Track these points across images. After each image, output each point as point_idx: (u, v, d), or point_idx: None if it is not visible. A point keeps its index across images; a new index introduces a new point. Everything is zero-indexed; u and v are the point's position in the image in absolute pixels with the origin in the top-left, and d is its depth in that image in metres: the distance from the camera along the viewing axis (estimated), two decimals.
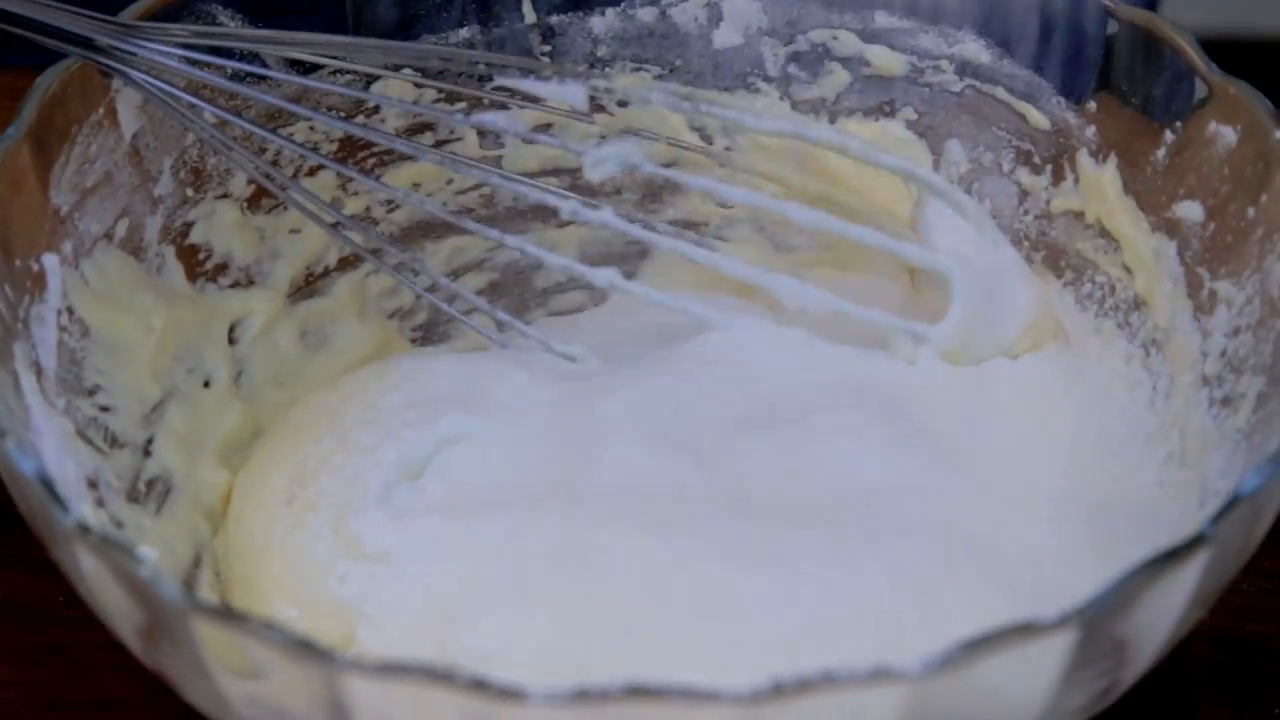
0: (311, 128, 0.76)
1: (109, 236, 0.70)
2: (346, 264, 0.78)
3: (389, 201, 0.79)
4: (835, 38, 0.79)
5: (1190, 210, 0.70)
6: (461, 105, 0.78)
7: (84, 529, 0.55)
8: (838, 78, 0.79)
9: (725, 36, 0.80)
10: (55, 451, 0.63)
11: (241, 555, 0.70)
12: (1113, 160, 0.73)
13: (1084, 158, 0.74)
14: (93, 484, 0.65)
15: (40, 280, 0.66)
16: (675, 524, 0.66)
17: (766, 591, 0.63)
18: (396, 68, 0.76)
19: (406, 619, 0.65)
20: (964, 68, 0.77)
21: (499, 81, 0.78)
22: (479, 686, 0.50)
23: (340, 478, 0.70)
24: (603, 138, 0.79)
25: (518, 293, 0.82)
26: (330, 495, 0.69)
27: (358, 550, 0.67)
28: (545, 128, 0.79)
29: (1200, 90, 0.69)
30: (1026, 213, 0.77)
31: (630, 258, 0.82)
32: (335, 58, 0.74)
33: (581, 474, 0.68)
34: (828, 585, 0.63)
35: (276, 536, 0.69)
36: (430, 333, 0.81)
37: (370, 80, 0.76)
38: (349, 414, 0.72)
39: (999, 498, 0.68)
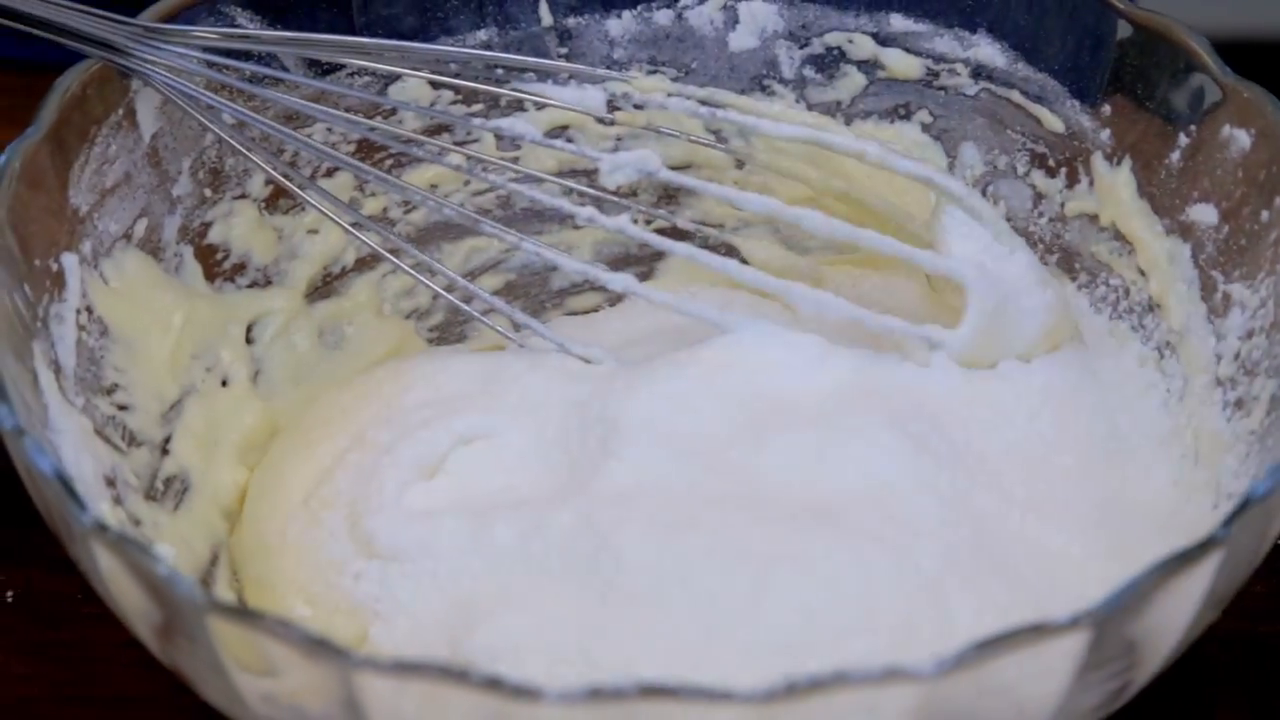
0: (330, 129, 0.76)
1: (128, 236, 0.70)
2: (364, 264, 0.79)
3: (406, 202, 0.79)
4: (851, 41, 0.79)
5: (1204, 213, 0.70)
6: (479, 105, 0.79)
7: (101, 527, 0.55)
8: (853, 80, 0.80)
9: (741, 39, 0.80)
10: (73, 450, 0.63)
11: (257, 553, 0.70)
12: (1127, 163, 0.73)
13: (1098, 161, 0.74)
14: (110, 482, 0.66)
15: (59, 279, 0.66)
16: (688, 524, 0.66)
17: (779, 592, 0.63)
18: (414, 69, 0.76)
19: (420, 617, 0.65)
20: (979, 71, 0.77)
21: (516, 82, 0.78)
22: (493, 685, 0.50)
23: (356, 476, 0.70)
24: (619, 140, 0.80)
25: (534, 293, 0.82)
26: (346, 494, 0.70)
27: (372, 549, 0.68)
28: (562, 129, 0.80)
29: (1214, 94, 0.69)
30: (1041, 215, 0.77)
31: (646, 258, 0.82)
32: (356, 59, 0.75)
33: (596, 474, 0.69)
34: (840, 586, 0.64)
35: (291, 534, 0.69)
36: (447, 333, 0.81)
37: (388, 81, 0.77)
38: (366, 413, 0.73)
39: (1012, 499, 0.68)
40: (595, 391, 0.72)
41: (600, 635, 0.63)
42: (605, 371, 0.73)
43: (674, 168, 0.80)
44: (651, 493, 0.68)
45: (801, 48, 0.79)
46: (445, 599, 0.66)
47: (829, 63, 0.80)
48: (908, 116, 0.79)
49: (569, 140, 0.80)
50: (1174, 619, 0.55)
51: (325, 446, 0.72)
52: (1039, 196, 0.77)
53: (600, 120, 0.79)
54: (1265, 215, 0.67)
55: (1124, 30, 0.72)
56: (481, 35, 0.78)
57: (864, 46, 0.79)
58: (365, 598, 0.67)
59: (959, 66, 0.77)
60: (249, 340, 0.75)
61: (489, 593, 0.65)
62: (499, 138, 0.79)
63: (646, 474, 0.68)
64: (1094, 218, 0.75)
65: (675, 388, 0.71)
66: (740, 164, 0.80)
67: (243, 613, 0.53)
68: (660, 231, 0.81)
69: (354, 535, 0.68)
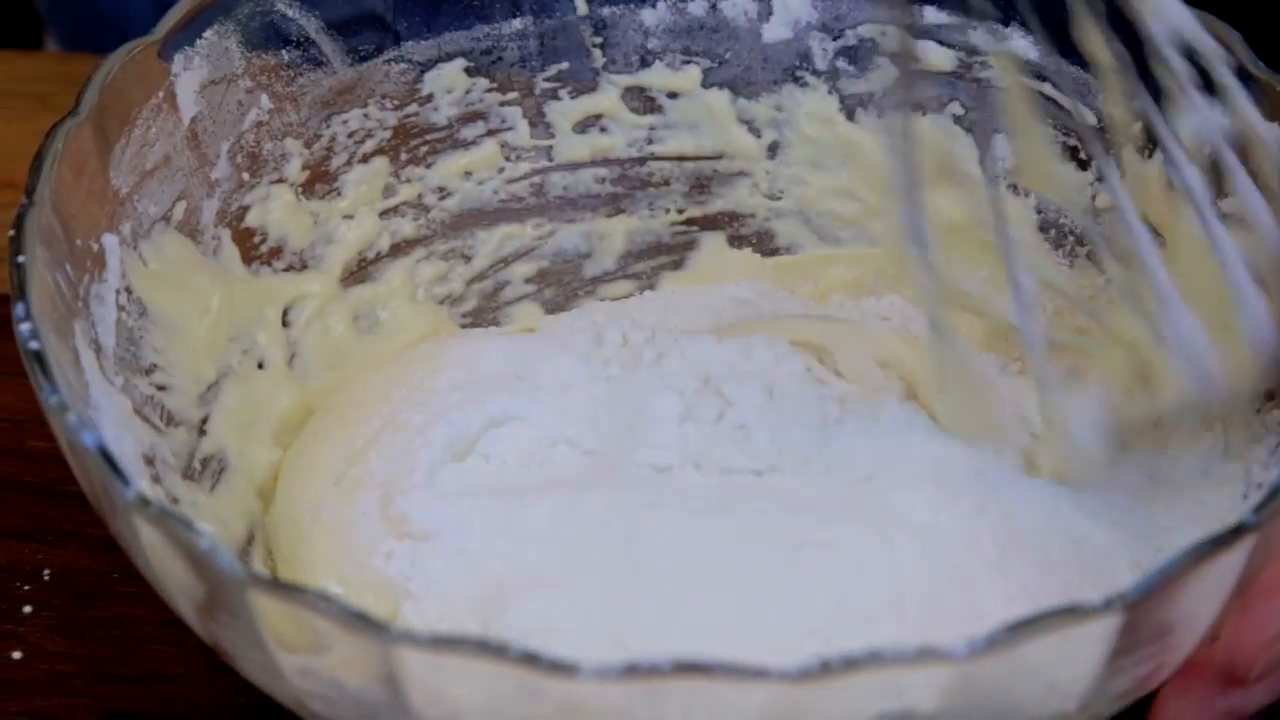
0: (365, 115, 0.77)
1: (167, 218, 0.71)
2: (399, 250, 0.79)
3: (441, 189, 0.80)
4: (884, 33, 0.79)
5: (1236, 207, 0.70)
6: (514, 95, 0.79)
7: (144, 501, 0.55)
8: (886, 72, 0.80)
9: (775, 30, 0.80)
10: (113, 428, 0.63)
11: (289, 532, 0.71)
12: (1159, 157, 0.73)
13: (1130, 154, 0.74)
14: (149, 461, 0.66)
15: (100, 260, 0.67)
16: (718, 509, 0.67)
17: (808, 577, 0.64)
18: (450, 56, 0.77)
19: (451, 597, 0.66)
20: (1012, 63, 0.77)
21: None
22: (530, 660, 0.50)
23: (388, 457, 0.71)
24: (652, 130, 0.80)
25: (566, 280, 0.83)
26: (378, 474, 0.70)
27: (403, 529, 0.68)
28: (596, 117, 0.80)
29: (1248, 88, 0.69)
30: (1073, 208, 0.77)
31: (677, 248, 0.83)
32: None
33: (626, 455, 0.69)
34: (868, 572, 0.64)
35: (324, 514, 0.70)
36: (479, 319, 0.82)
37: (424, 69, 0.77)
38: (397, 394, 0.73)
39: (1042, 485, 0.69)
40: (625, 373, 0.72)
41: (629, 617, 0.63)
42: (634, 354, 0.74)
43: (706, 158, 0.82)
44: (681, 477, 0.68)
45: (835, 39, 0.80)
46: (476, 579, 0.66)
47: (862, 54, 0.80)
48: (939, 108, 0.80)
49: (603, 130, 0.81)
50: (1205, 605, 0.56)
51: (358, 428, 0.73)
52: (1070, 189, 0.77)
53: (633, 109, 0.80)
54: None
55: None
56: (517, 24, 0.79)
57: (897, 38, 0.79)
58: (396, 577, 0.67)
59: (991, 59, 0.78)
60: (285, 323, 0.76)
61: (520, 573, 0.66)
62: (532, 124, 0.80)
63: (675, 455, 0.69)
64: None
65: (704, 370, 0.72)
66: (773, 154, 0.80)
67: (284, 586, 0.53)
68: (691, 221, 0.82)
69: (386, 515, 0.69)
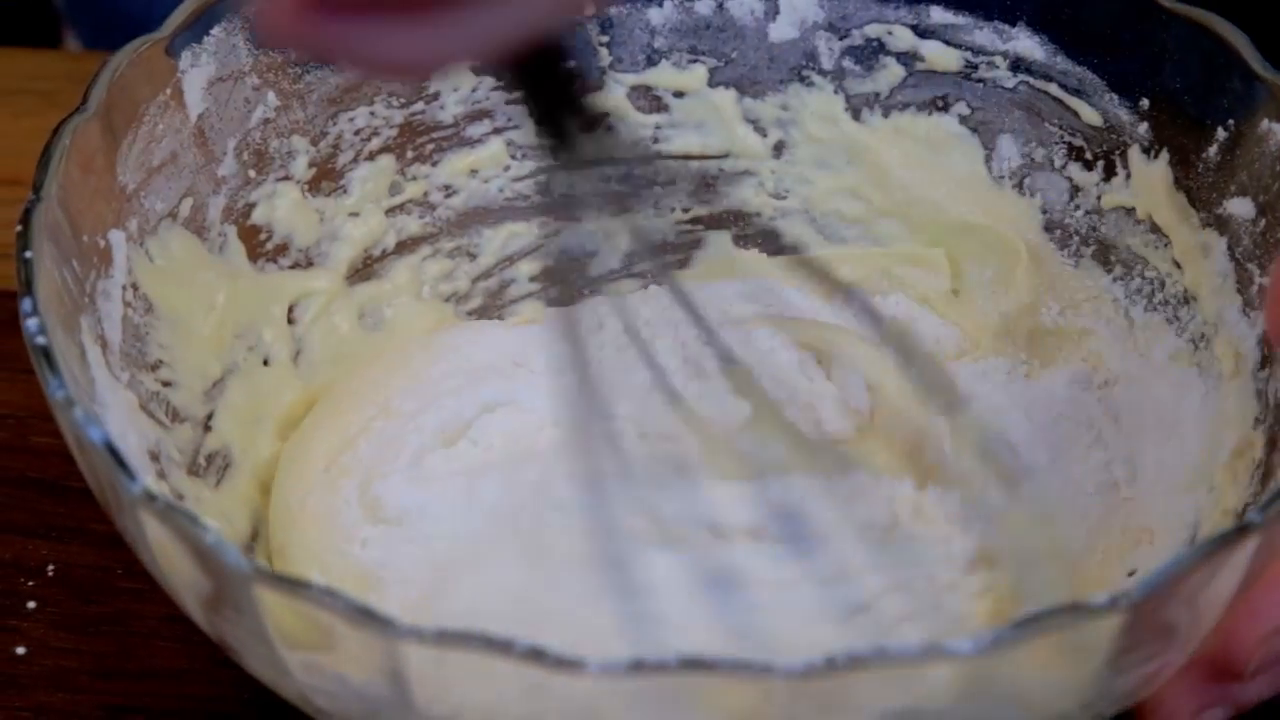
0: (372, 113, 0.77)
1: (173, 215, 0.71)
2: (404, 247, 0.79)
3: (447, 186, 0.80)
4: (890, 33, 0.79)
5: (1241, 207, 0.70)
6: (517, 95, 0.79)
7: (150, 496, 0.55)
8: (892, 72, 0.80)
9: (781, 30, 0.80)
10: (119, 424, 0.63)
11: (282, 522, 0.71)
12: (1164, 157, 0.73)
13: (1136, 154, 0.75)
14: (154, 456, 0.66)
15: (106, 256, 0.67)
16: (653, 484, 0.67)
17: (733, 570, 0.64)
18: None
19: (409, 582, 0.66)
20: (1018, 64, 0.77)
21: None
22: (536, 656, 0.50)
23: (378, 444, 0.71)
24: (658, 129, 0.81)
25: (571, 279, 0.83)
26: (365, 461, 0.71)
27: (378, 514, 0.69)
28: (603, 117, 0.80)
29: (1254, 89, 0.69)
30: (1078, 208, 0.77)
31: (684, 247, 0.83)
32: None
33: (582, 428, 0.69)
34: (802, 568, 0.64)
35: (310, 503, 0.70)
36: (484, 317, 0.82)
37: None
38: (393, 383, 0.74)
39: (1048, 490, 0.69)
40: (616, 356, 0.72)
41: (534, 602, 0.63)
42: (632, 337, 0.74)
43: (712, 157, 0.82)
44: (628, 447, 0.68)
45: (841, 39, 0.80)
46: (430, 562, 0.66)
47: (868, 54, 0.80)
48: (945, 109, 0.80)
49: (609, 129, 0.81)
50: (1210, 604, 0.56)
51: (352, 416, 0.73)
52: (1076, 189, 0.77)
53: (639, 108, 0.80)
54: None
55: (1163, 24, 0.72)
56: None
57: (903, 38, 0.79)
58: (371, 564, 0.67)
59: (998, 59, 0.78)
60: (290, 320, 0.76)
61: (462, 556, 0.66)
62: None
63: (629, 427, 0.69)
64: (1130, 210, 0.75)
65: (688, 352, 0.72)
66: (778, 153, 0.81)
67: (290, 581, 0.53)
68: (697, 220, 0.82)
69: (364, 501, 0.69)
